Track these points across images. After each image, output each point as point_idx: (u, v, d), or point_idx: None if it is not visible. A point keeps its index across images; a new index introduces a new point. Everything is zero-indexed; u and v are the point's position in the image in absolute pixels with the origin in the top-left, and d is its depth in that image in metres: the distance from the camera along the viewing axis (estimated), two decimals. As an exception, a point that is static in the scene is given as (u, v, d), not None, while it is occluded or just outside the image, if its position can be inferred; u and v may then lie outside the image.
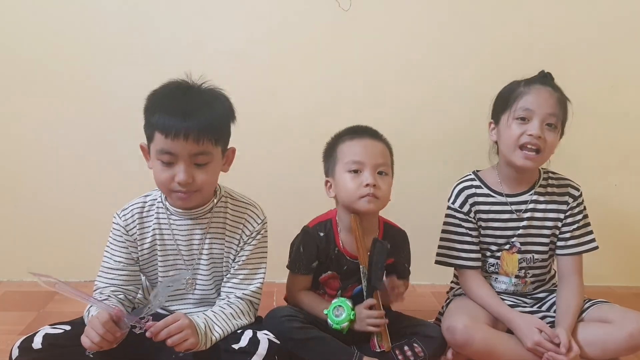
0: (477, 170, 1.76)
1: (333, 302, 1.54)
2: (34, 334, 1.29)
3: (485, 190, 1.70)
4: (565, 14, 2.24)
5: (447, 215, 1.73)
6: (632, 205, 2.41)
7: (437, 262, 1.74)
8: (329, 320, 1.52)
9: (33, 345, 1.25)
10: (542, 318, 1.61)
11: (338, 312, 1.51)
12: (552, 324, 1.58)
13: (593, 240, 1.69)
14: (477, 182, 1.72)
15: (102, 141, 2.19)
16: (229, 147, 1.47)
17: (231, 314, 1.42)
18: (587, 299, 1.66)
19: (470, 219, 1.69)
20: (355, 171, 1.53)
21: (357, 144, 1.55)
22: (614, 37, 2.26)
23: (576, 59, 2.24)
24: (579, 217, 1.69)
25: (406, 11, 2.20)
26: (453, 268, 1.76)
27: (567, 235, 1.68)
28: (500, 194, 1.70)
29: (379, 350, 1.51)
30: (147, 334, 1.23)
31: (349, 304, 1.52)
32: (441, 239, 1.73)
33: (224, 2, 2.15)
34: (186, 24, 2.16)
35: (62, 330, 1.32)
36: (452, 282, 1.84)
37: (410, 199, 2.25)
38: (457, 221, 1.70)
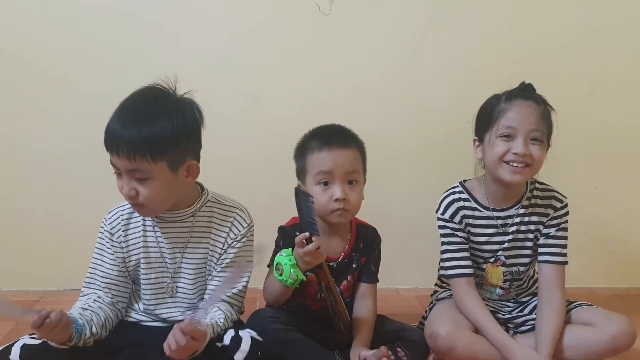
0: (464, 181, 1.73)
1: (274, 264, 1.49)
2: (12, 345, 1.27)
3: (472, 204, 1.68)
4: (544, 19, 2.25)
5: (441, 227, 1.68)
6: (613, 207, 2.42)
7: (445, 276, 1.69)
8: (281, 281, 1.45)
9: (11, 356, 1.24)
10: (524, 322, 1.63)
11: (280, 269, 1.45)
12: (533, 328, 1.59)
13: (564, 254, 1.64)
14: (465, 195, 1.69)
15: (85, 145, 2.13)
16: (189, 160, 1.39)
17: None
18: (569, 301, 1.66)
19: (462, 228, 1.66)
20: (325, 183, 1.54)
21: (325, 156, 1.54)
22: (593, 41, 2.28)
23: (555, 63, 2.26)
24: (553, 230, 1.65)
25: (387, 16, 2.20)
26: (437, 271, 1.76)
27: (541, 242, 1.66)
28: (487, 208, 1.67)
29: (345, 331, 1.51)
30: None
31: (284, 254, 1.46)
32: (443, 252, 1.69)
33: (204, 6, 2.13)
34: (167, 26, 2.14)
35: (41, 341, 1.29)
36: (435, 284, 1.83)
37: (393, 204, 2.26)
38: (450, 231, 1.66)
